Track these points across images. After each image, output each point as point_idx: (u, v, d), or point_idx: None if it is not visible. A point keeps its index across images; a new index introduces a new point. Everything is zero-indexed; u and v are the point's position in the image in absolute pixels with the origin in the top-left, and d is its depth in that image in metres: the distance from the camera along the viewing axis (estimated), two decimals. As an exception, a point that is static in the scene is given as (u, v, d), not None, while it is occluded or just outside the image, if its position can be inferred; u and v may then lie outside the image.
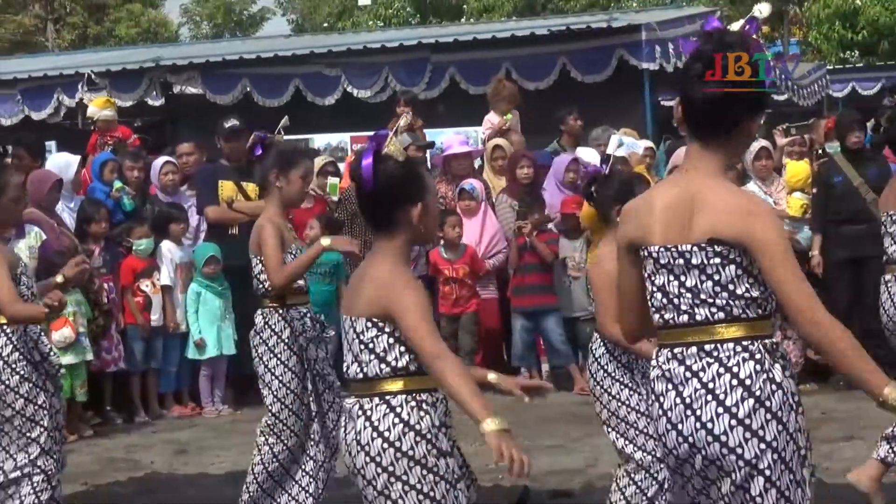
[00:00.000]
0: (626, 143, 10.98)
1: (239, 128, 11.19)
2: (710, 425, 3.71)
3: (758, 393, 3.69)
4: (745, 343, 3.73)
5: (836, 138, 11.57)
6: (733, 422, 3.68)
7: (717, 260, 3.74)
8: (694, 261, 3.75)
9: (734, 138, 3.90)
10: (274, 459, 6.59)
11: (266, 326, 6.61)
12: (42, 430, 6.06)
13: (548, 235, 11.32)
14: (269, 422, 6.60)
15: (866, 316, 10.72)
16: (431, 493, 4.08)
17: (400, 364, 4.09)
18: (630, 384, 6.00)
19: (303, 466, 6.69)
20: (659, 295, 3.86)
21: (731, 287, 3.74)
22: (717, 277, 3.74)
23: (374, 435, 4.07)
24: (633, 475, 6.01)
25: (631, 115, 13.75)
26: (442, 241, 11.30)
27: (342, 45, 17.01)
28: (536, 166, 11.80)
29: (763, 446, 3.67)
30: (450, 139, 12.65)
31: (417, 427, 4.07)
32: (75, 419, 9.88)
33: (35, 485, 6.08)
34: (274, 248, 6.42)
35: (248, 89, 15.79)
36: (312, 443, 6.67)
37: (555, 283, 11.35)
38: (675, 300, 3.80)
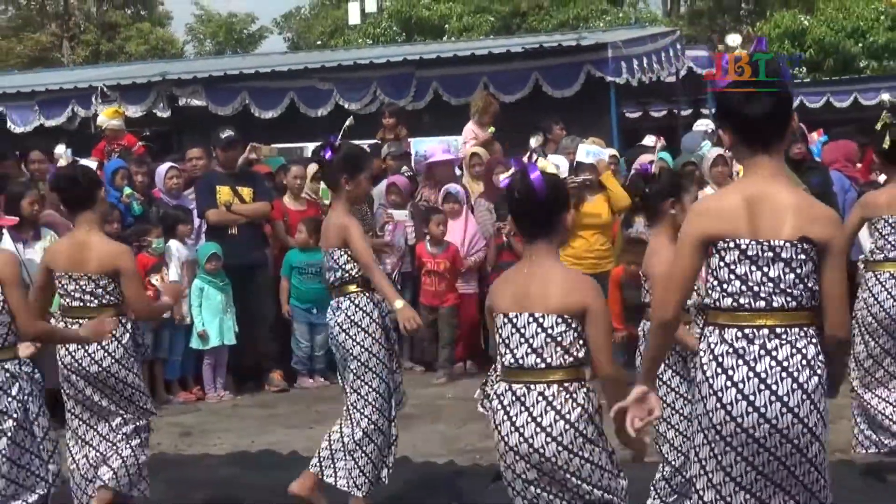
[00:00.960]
0: (593, 152, 11.02)
1: (234, 138, 11.25)
2: (785, 399, 3.99)
3: (818, 371, 4.05)
4: (806, 328, 4.07)
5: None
6: (804, 396, 4.01)
7: (803, 256, 4.04)
8: (784, 255, 4.02)
9: (788, 134, 4.21)
10: (377, 431, 6.54)
11: (358, 309, 6.55)
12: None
13: (523, 236, 11.32)
14: (364, 399, 6.55)
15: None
16: (600, 462, 4.44)
17: (580, 355, 4.44)
18: (682, 371, 5.99)
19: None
20: (738, 283, 4.07)
21: (806, 280, 4.05)
22: (798, 271, 4.03)
23: (556, 418, 4.38)
24: (663, 471, 5.99)
25: (598, 126, 13.73)
26: (428, 237, 11.34)
27: (334, 60, 17.04)
28: (512, 173, 11.81)
29: (819, 416, 4.05)
30: (433, 147, 12.65)
31: (589, 410, 4.43)
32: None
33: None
34: (364, 245, 6.50)
35: (247, 102, 15.79)
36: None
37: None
38: (755, 287, 4.04)
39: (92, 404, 6.36)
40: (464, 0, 37.47)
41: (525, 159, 4.72)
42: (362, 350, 6.52)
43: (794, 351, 4.02)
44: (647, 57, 15.54)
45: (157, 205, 11.18)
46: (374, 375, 6.52)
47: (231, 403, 10.66)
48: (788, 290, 4.02)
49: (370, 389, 6.51)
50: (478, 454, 8.11)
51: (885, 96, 20.72)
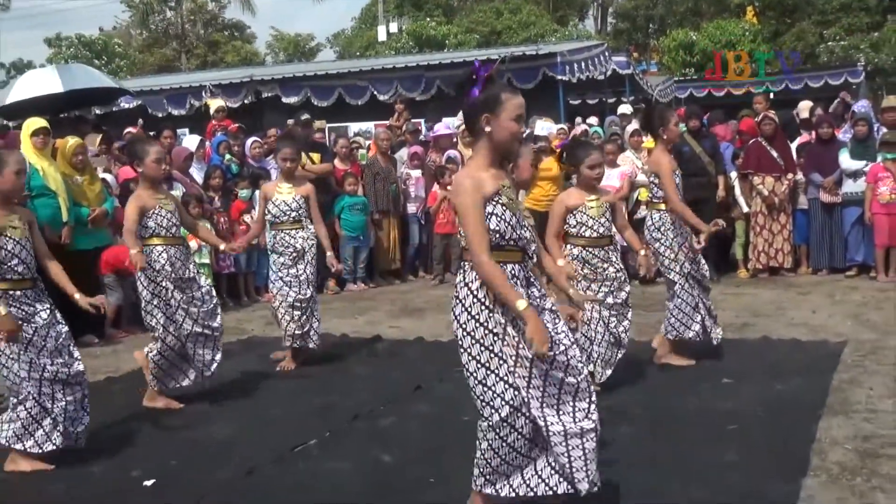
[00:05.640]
0: (546, 126, 10.99)
1: (309, 120, 11.23)
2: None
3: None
4: None
5: (684, 122, 11.30)
6: None
7: None
8: None
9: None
10: None
11: None
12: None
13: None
14: None
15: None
16: None
17: None
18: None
19: None
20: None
21: None
22: None
23: None
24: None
25: (550, 109, 13.69)
26: (445, 185, 11.23)
27: (369, 66, 16.95)
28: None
29: None
30: (438, 125, 12.57)
31: None
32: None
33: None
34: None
35: (309, 95, 15.70)
36: None
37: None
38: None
39: None
40: (458, 23, 37.43)
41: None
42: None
43: None
44: (585, 62, 15.42)
45: (247, 166, 11.10)
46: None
47: (301, 302, 10.64)
48: None
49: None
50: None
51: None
